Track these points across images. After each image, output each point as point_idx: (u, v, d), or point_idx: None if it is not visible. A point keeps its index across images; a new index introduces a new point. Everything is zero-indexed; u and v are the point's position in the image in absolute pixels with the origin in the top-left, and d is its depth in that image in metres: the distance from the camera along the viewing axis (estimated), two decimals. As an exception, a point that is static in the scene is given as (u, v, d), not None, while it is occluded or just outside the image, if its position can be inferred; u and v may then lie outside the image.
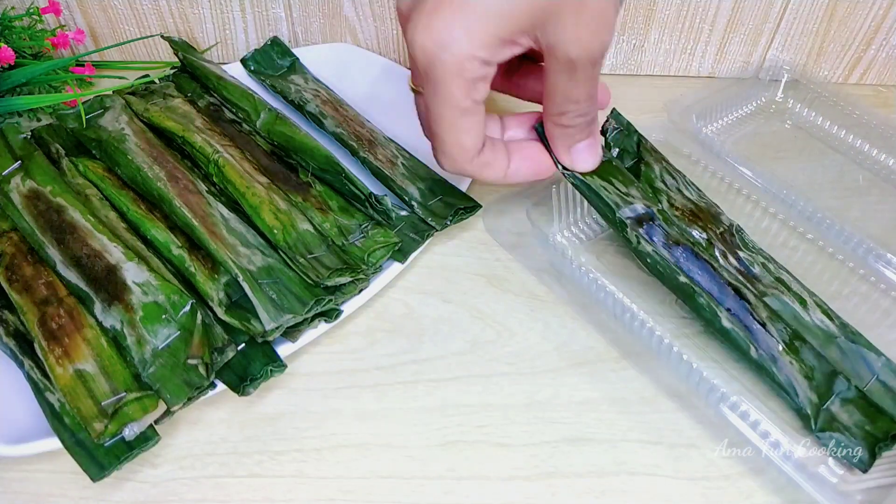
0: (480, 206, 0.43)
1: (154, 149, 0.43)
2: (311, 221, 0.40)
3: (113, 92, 0.49)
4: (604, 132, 0.45)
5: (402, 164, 0.45)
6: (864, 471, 0.31)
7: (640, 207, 0.39)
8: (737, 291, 0.36)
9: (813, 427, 0.33)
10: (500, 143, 0.37)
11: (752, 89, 0.53)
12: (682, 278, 0.36)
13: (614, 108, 0.45)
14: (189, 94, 0.49)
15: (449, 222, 0.42)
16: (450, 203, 0.43)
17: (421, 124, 0.39)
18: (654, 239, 0.37)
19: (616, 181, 0.40)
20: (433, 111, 0.33)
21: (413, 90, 0.38)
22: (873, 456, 0.31)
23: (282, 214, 0.39)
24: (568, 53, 0.32)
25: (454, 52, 0.31)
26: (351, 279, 0.37)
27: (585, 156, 0.38)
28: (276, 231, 0.38)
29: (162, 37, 0.53)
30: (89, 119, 0.45)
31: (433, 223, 0.42)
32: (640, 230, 0.37)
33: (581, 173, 0.38)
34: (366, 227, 0.40)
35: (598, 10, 0.31)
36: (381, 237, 0.40)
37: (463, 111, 0.33)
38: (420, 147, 0.47)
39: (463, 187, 0.44)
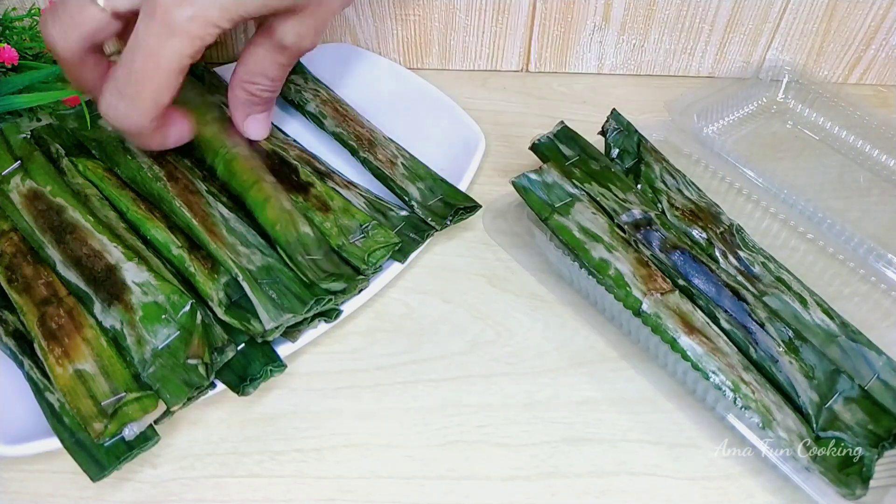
0: (480, 207, 0.43)
1: (154, 149, 0.43)
2: (311, 221, 0.40)
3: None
4: (604, 132, 0.45)
5: (402, 163, 0.45)
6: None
7: (637, 213, 0.39)
8: (735, 293, 0.36)
9: (814, 426, 0.33)
10: (169, 111, 0.37)
11: (753, 89, 0.53)
12: (681, 281, 0.36)
13: (614, 109, 0.45)
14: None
15: (449, 222, 0.42)
16: (450, 203, 0.43)
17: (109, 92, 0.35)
18: (652, 243, 0.37)
19: (614, 187, 0.41)
20: (149, 57, 0.32)
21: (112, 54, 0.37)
22: (866, 480, 0.31)
23: (284, 213, 0.39)
24: (283, 41, 0.36)
25: (202, 14, 0.32)
26: (344, 286, 0.37)
27: (260, 125, 0.42)
28: (277, 227, 0.38)
29: None
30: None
31: (433, 223, 0.42)
32: (638, 235, 0.38)
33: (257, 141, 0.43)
34: (366, 226, 0.40)
35: (324, 15, 0.36)
36: (382, 237, 0.40)
37: (181, 70, 0.33)
38: (420, 147, 0.47)
39: (463, 187, 0.44)
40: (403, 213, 0.43)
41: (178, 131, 0.39)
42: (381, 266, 0.39)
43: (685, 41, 0.55)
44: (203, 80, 0.51)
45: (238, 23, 0.33)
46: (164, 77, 0.32)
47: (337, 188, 0.43)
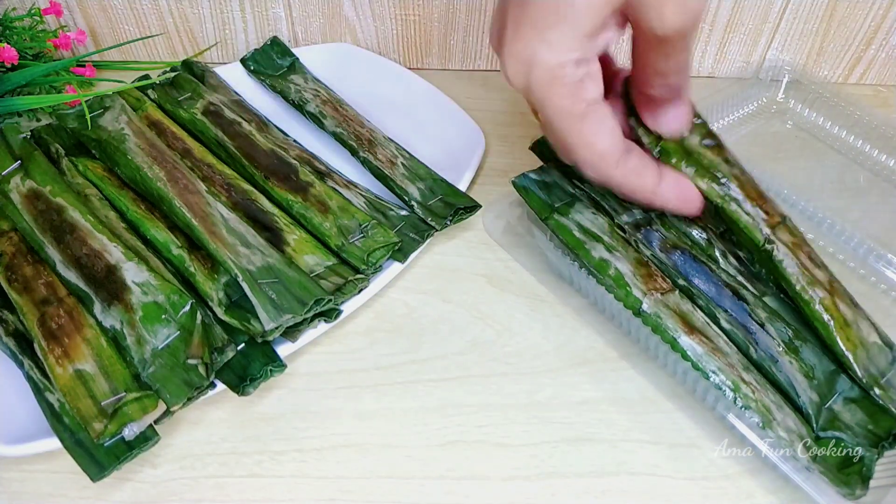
0: (480, 206, 0.43)
1: (154, 149, 0.43)
2: (310, 222, 0.40)
3: (135, 88, 0.49)
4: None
5: (402, 163, 0.45)
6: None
7: (637, 212, 0.39)
8: (735, 293, 0.36)
9: (814, 426, 0.33)
10: (651, 158, 0.35)
11: (753, 89, 0.53)
12: (681, 281, 0.36)
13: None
14: (189, 94, 0.49)
15: (449, 222, 0.42)
16: (450, 203, 0.43)
17: (556, 150, 0.36)
18: (652, 243, 0.37)
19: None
20: (555, 128, 0.32)
21: (536, 117, 0.35)
22: (866, 480, 0.31)
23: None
24: (653, 30, 0.30)
25: (543, 66, 0.30)
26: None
27: (672, 123, 0.36)
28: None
29: None
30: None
31: (433, 223, 0.42)
32: (638, 235, 0.38)
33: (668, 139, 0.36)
34: (366, 226, 0.40)
35: None
36: (382, 237, 0.40)
37: (580, 116, 0.31)
38: (420, 147, 0.47)
39: (462, 187, 0.44)
40: (403, 212, 0.43)
41: (676, 187, 0.35)
42: (381, 266, 0.39)
43: (685, 41, 0.55)
44: (203, 80, 0.51)
45: (592, 52, 0.31)
46: (577, 131, 0.32)
47: (337, 188, 0.43)
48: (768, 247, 0.35)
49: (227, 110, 0.47)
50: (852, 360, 0.33)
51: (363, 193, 0.44)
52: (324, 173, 0.44)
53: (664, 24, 0.30)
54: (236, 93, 0.52)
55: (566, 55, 0.30)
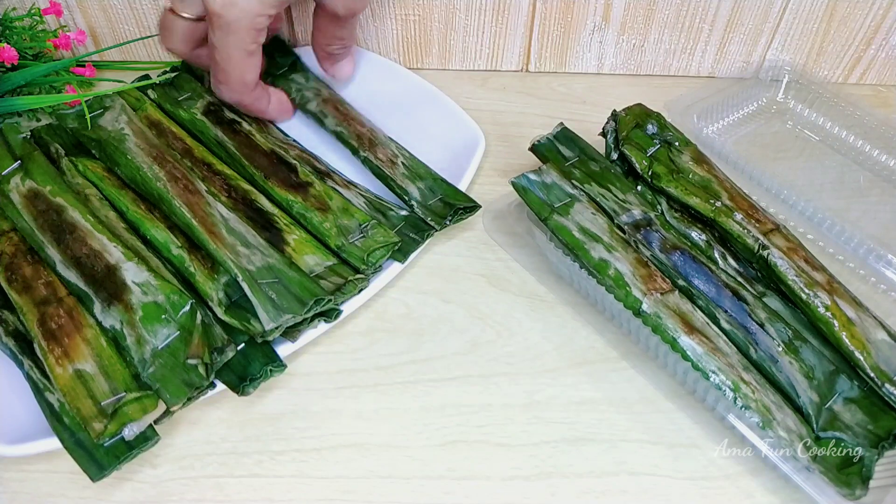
0: (480, 207, 0.43)
1: (154, 149, 0.43)
2: (310, 221, 0.40)
3: (135, 88, 0.49)
4: (604, 133, 0.45)
5: (403, 163, 0.45)
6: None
7: (637, 213, 0.39)
8: (734, 293, 0.36)
9: (814, 426, 0.33)
10: (263, 84, 0.46)
11: (753, 89, 0.53)
12: (681, 282, 0.36)
13: (615, 110, 0.45)
14: (189, 94, 0.49)
15: (448, 222, 0.42)
16: (449, 203, 0.43)
17: (163, 38, 0.45)
18: (652, 244, 0.37)
19: (614, 188, 0.41)
20: (223, 51, 0.41)
21: (171, 10, 0.43)
22: (866, 481, 0.31)
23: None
24: (336, 10, 0.43)
25: (249, 11, 0.39)
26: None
27: (346, 68, 0.50)
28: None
29: None
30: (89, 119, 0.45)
31: (433, 223, 0.42)
32: (638, 235, 0.38)
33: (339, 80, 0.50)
34: (366, 226, 0.40)
35: None
36: (381, 237, 0.40)
37: (250, 53, 0.41)
38: (420, 147, 0.47)
39: (462, 187, 0.44)
40: (403, 212, 0.43)
41: (278, 104, 0.48)
42: (380, 266, 0.39)
43: (685, 41, 0.55)
44: (203, 80, 0.51)
45: (283, 5, 0.41)
46: (239, 62, 0.42)
47: (336, 187, 0.43)
48: (763, 252, 0.35)
49: (227, 110, 0.47)
50: (861, 359, 0.33)
51: (363, 193, 0.44)
52: (324, 173, 0.44)
53: (344, 9, 0.43)
54: None
55: (268, 9, 0.40)
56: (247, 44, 0.41)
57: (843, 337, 0.34)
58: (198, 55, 0.46)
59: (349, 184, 0.44)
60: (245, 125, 0.46)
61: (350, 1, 0.43)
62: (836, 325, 0.34)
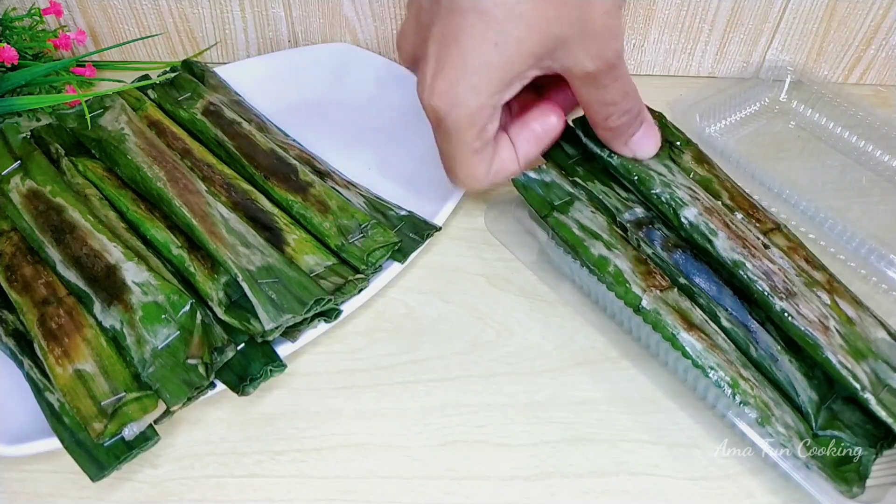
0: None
1: (154, 149, 0.43)
2: (310, 221, 0.40)
3: (136, 88, 0.49)
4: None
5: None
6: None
7: (639, 211, 0.39)
8: (735, 291, 0.36)
9: (813, 425, 0.33)
10: (504, 143, 0.38)
11: (756, 89, 0.53)
12: (682, 280, 0.36)
13: None
14: (189, 94, 0.49)
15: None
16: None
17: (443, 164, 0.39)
18: (654, 242, 0.37)
19: (616, 186, 0.41)
20: (447, 152, 0.36)
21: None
22: (863, 479, 0.31)
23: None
24: (585, 70, 0.33)
25: (462, 110, 0.33)
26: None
27: (645, 144, 0.38)
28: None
29: None
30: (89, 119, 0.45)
31: (435, 223, 0.42)
32: (640, 233, 0.38)
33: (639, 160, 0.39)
34: (365, 226, 0.40)
35: (601, 25, 0.31)
36: (381, 237, 0.40)
37: (475, 151, 0.35)
38: (420, 146, 0.47)
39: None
40: (403, 212, 0.43)
41: (524, 149, 0.39)
42: (380, 266, 0.39)
43: (685, 41, 0.55)
44: (203, 80, 0.51)
45: (509, 91, 0.34)
46: (464, 162, 0.36)
47: (336, 188, 0.43)
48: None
49: (227, 110, 0.47)
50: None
51: (363, 193, 0.44)
52: (324, 173, 0.44)
53: (592, 64, 0.32)
54: (236, 93, 0.52)
55: (487, 100, 0.33)
56: (469, 143, 0.35)
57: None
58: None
59: (349, 184, 0.44)
60: (245, 126, 0.46)
61: (598, 47, 0.32)
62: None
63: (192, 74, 0.51)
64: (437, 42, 0.32)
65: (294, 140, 0.48)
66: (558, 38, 0.31)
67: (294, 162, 0.44)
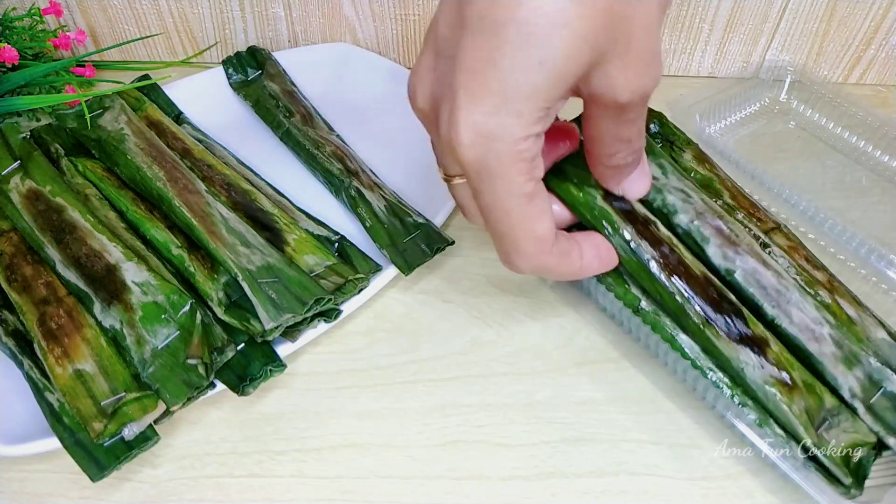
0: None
1: (154, 149, 0.43)
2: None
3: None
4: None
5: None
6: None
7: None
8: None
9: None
10: (566, 234, 0.33)
11: (756, 89, 0.53)
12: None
13: None
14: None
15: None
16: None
17: (464, 213, 0.34)
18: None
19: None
20: (496, 208, 0.29)
21: (445, 180, 0.34)
22: (862, 480, 0.31)
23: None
24: (617, 99, 0.28)
25: (507, 140, 0.27)
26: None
27: (637, 184, 0.34)
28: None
29: None
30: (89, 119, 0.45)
31: (448, 236, 0.41)
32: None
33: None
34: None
35: (644, 46, 0.27)
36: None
37: (529, 196, 0.28)
38: (419, 147, 0.47)
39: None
40: (420, 220, 0.42)
41: (595, 254, 0.33)
42: (380, 266, 0.39)
43: (685, 41, 0.55)
44: (264, 67, 0.52)
45: (551, 113, 0.28)
46: (520, 214, 0.29)
47: (361, 188, 0.43)
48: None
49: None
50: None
51: (386, 196, 0.43)
52: (352, 171, 0.44)
53: (628, 92, 0.27)
54: (292, 82, 0.52)
55: (532, 128, 0.27)
56: (520, 184, 0.28)
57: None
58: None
59: (374, 185, 0.44)
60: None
61: (637, 74, 0.27)
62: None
63: (255, 61, 0.53)
64: (465, 71, 0.27)
65: (339, 135, 0.48)
66: (601, 53, 0.27)
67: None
